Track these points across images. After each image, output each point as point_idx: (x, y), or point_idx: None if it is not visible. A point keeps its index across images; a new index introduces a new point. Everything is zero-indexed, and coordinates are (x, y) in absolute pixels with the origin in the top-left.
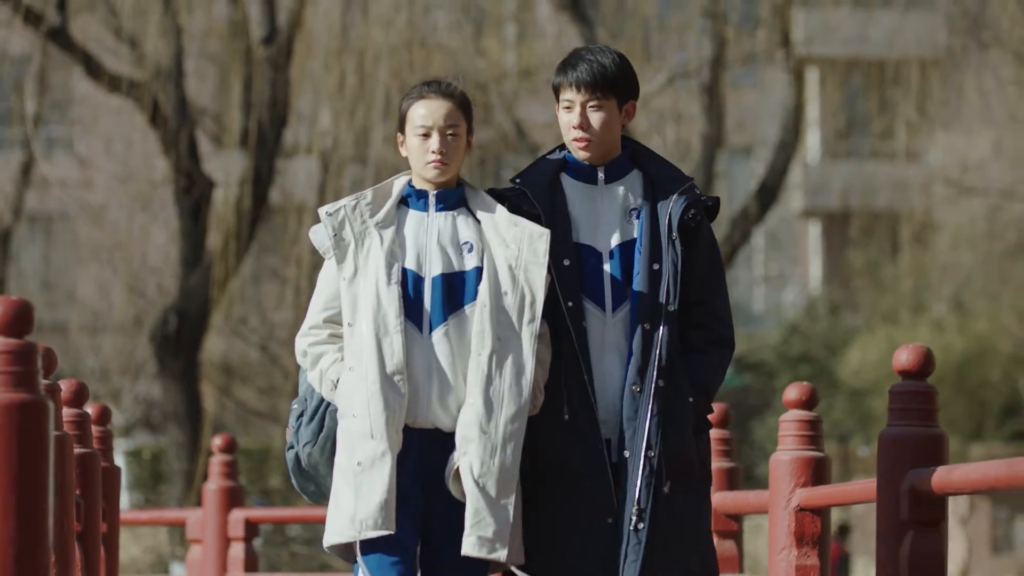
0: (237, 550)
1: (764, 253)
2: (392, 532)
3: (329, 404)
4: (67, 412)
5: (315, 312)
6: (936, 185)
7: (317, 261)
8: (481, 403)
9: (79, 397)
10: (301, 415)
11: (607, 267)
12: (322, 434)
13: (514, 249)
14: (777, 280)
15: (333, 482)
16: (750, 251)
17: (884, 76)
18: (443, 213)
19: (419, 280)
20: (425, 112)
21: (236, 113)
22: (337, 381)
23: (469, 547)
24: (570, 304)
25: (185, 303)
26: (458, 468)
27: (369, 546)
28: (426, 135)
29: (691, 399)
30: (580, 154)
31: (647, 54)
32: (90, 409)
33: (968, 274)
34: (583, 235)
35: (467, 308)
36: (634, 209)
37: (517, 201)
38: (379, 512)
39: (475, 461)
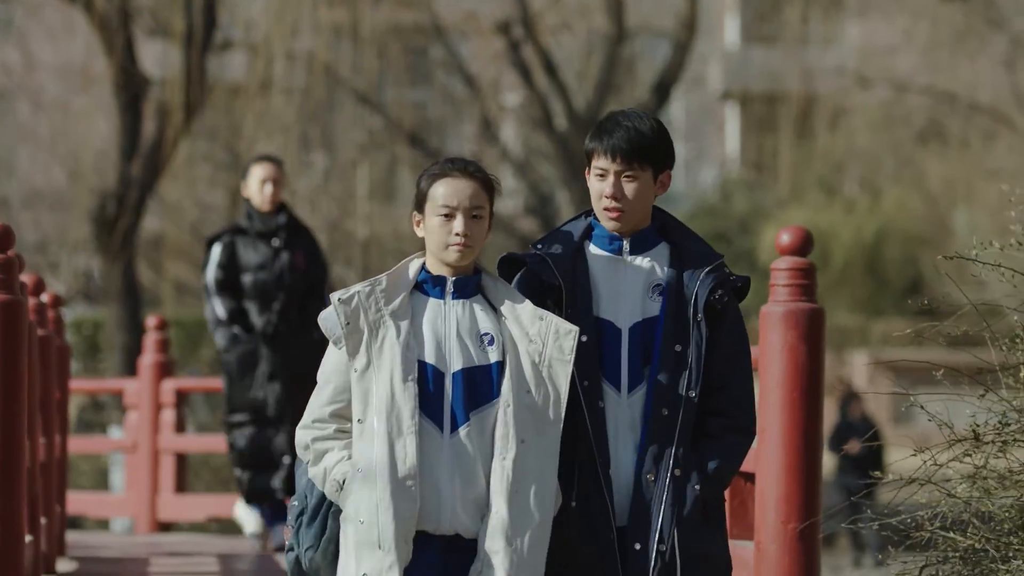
0: (168, 415)
1: (683, 135)
2: None
3: (332, 504)
4: (29, 301)
5: (320, 405)
6: (849, 70)
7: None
8: (506, 511)
9: (38, 288)
10: (301, 514)
11: (625, 345)
12: (324, 537)
13: (538, 344)
14: (695, 161)
15: None
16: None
17: None
18: (460, 301)
19: (440, 375)
20: (449, 192)
21: (172, 10)
22: (343, 482)
23: None
24: (586, 383)
25: (123, 190)
26: None
27: None
28: (449, 216)
29: (697, 487)
30: (610, 224)
31: None
32: (45, 297)
33: (878, 157)
34: (603, 309)
35: (490, 406)
36: (657, 284)
37: (537, 269)
38: None
39: (501, 574)
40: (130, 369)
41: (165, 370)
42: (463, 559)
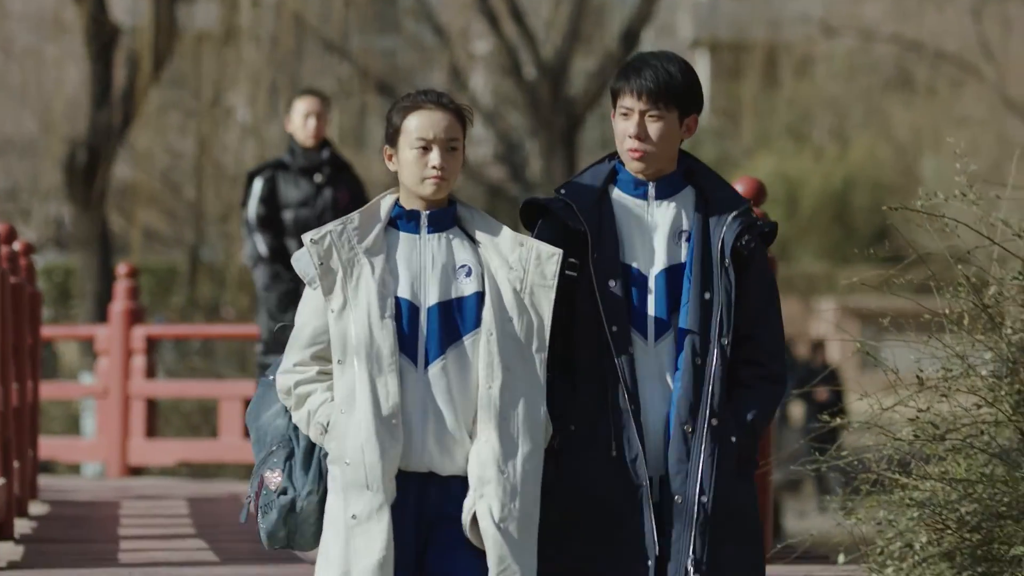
0: (139, 361)
1: None
2: None
3: (321, 448)
4: (2, 249)
5: (300, 348)
6: (818, 19)
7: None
8: (496, 440)
9: (10, 236)
10: (289, 457)
11: (652, 292)
12: (322, 481)
13: (519, 271)
14: None
15: (323, 532)
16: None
17: None
18: (435, 235)
19: (414, 310)
20: (424, 124)
21: None
22: (327, 424)
23: None
24: (615, 329)
25: (94, 139)
26: (475, 512)
27: None
28: (425, 148)
29: (734, 439)
30: (633, 165)
31: None
32: (17, 245)
33: (847, 105)
34: (629, 256)
35: (467, 339)
36: (684, 231)
37: (562, 215)
38: (377, 571)
39: (494, 504)
40: (101, 316)
41: (135, 317)
42: (438, 497)
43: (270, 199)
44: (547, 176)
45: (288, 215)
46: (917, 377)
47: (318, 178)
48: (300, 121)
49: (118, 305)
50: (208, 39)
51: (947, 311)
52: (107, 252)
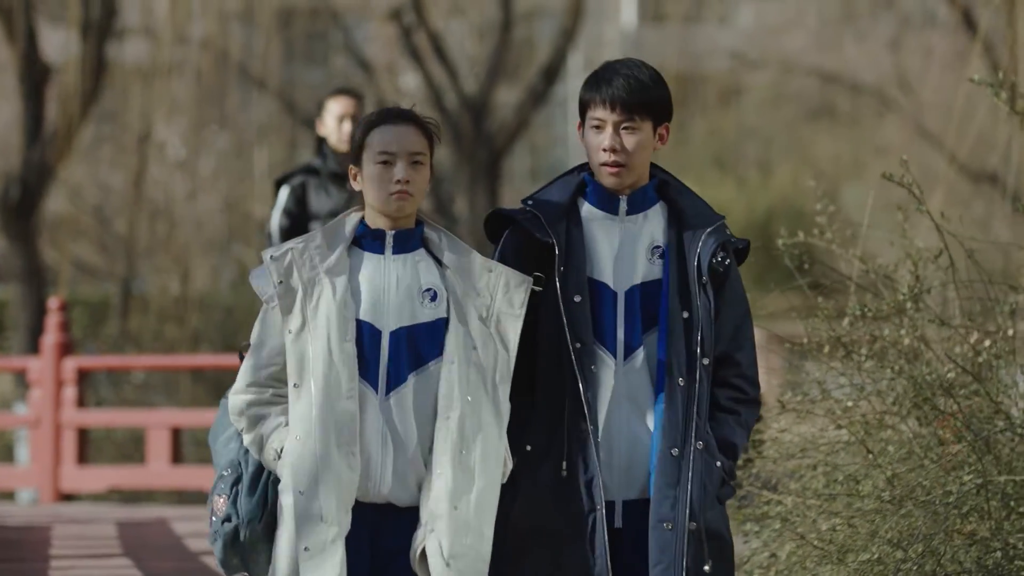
0: (70, 392)
1: (576, 113)
2: None
3: (271, 473)
4: None
5: (255, 368)
6: (742, 51)
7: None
8: (451, 474)
9: None
10: (236, 482)
11: (621, 309)
12: (267, 509)
13: (486, 298)
14: None
15: (274, 560)
16: (566, 110)
17: None
18: (401, 256)
19: (376, 334)
20: (387, 138)
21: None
22: (281, 450)
23: None
24: (578, 346)
25: (28, 175)
26: (424, 547)
27: None
28: (388, 163)
29: (719, 463)
30: (608, 180)
31: None
32: None
33: (770, 136)
34: (597, 271)
35: (431, 366)
36: (657, 246)
37: (529, 227)
38: None
39: (445, 540)
40: (34, 348)
41: (66, 349)
42: (395, 528)
43: (299, 209)
44: (470, 209)
45: (316, 226)
46: (778, 401)
47: (351, 185)
48: (334, 124)
49: (50, 338)
50: (137, 74)
51: (806, 340)
52: (40, 285)
